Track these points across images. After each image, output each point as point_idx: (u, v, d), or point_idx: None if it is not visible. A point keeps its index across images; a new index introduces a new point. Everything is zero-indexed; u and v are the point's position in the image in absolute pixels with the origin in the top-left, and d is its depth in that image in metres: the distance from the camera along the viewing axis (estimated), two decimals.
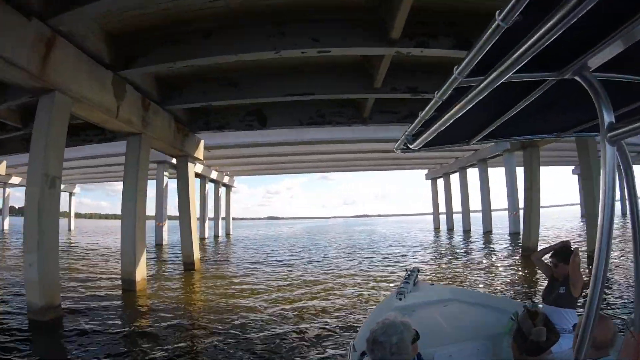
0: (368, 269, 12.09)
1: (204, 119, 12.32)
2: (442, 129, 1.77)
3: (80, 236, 36.18)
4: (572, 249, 2.79)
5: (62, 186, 34.85)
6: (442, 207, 38.88)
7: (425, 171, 40.17)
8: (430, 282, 5.57)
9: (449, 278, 10.18)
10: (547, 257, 3.11)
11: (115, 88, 8.44)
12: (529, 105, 1.81)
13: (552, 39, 0.98)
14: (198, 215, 25.03)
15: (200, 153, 13.68)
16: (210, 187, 33.39)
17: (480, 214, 31.19)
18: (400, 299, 3.71)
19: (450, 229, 35.28)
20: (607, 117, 1.24)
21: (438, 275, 10.66)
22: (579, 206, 41.32)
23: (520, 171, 17.66)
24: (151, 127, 9.79)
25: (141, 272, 9.30)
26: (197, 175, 30.07)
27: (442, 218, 39.59)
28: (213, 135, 22.99)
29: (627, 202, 1.45)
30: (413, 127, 1.99)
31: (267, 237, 36.01)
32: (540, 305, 2.79)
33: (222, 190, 36.14)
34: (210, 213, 33.76)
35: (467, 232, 31.64)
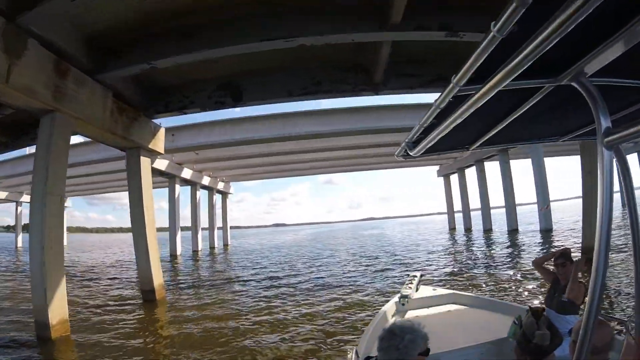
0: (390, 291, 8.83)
1: (163, 100, 9.38)
2: (442, 135, 1.79)
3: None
4: (574, 259, 2.89)
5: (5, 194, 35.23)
6: (456, 206, 35.67)
7: (436, 168, 37.06)
8: (432, 286, 5.11)
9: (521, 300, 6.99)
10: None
11: (5, 40, 5.58)
12: (527, 111, 1.82)
13: (547, 48, 1.01)
14: (179, 226, 22.29)
15: (158, 144, 10.48)
16: (203, 195, 30.57)
17: (496, 211, 28.44)
18: (403, 304, 3.82)
19: (468, 229, 31.97)
20: (604, 122, 1.28)
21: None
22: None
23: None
24: (72, 102, 6.86)
25: (59, 311, 6.30)
26: (186, 182, 27.26)
27: (457, 217, 36.52)
28: (194, 135, 20.45)
29: (627, 207, 1.46)
30: (413, 134, 2.01)
31: (268, 246, 32.91)
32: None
33: (218, 197, 33.28)
34: (204, 222, 30.87)
35: (488, 231, 28.41)
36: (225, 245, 32.99)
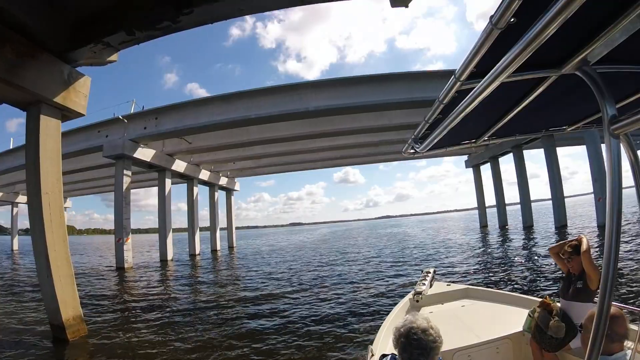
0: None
1: (84, 32, 6.06)
2: (448, 130, 1.77)
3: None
4: (582, 241, 2.76)
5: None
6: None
7: (464, 158, 32.98)
8: (446, 282, 4.82)
9: None
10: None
11: None
12: (533, 102, 1.79)
13: (546, 39, 0.98)
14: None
15: (74, 99, 6.82)
16: (203, 190, 27.62)
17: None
18: (417, 301, 3.80)
19: (503, 226, 27.84)
20: (609, 110, 1.24)
21: None
22: None
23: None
24: None
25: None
26: (182, 176, 23.62)
27: (488, 213, 32.48)
28: (180, 117, 17.08)
29: (636, 195, 1.38)
30: (419, 131, 2.03)
31: (278, 249, 29.64)
32: (558, 303, 2.73)
33: (221, 195, 30.24)
34: (204, 222, 27.87)
35: (529, 228, 24.32)
36: (231, 247, 29.85)
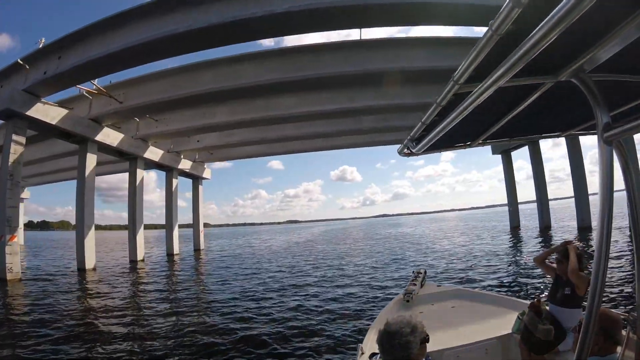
0: None
1: None
2: (444, 132, 1.78)
3: None
4: (570, 249, 2.75)
5: None
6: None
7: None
8: (437, 282, 5.01)
9: None
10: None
11: None
12: (529, 107, 1.81)
13: (545, 47, 0.99)
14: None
15: None
16: (185, 183, 21.45)
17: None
18: (407, 300, 3.83)
19: (546, 227, 21.77)
20: (603, 117, 1.30)
21: None
22: None
23: None
24: None
25: None
26: (121, 154, 17.18)
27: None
28: (87, 48, 11.04)
29: (627, 201, 1.46)
30: (415, 132, 2.01)
31: (262, 251, 23.63)
32: (547, 307, 2.65)
33: (183, 183, 24.10)
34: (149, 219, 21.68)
35: (585, 229, 18.33)
36: (197, 250, 23.60)
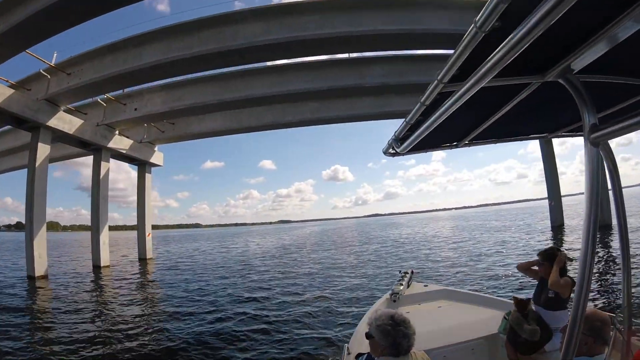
0: None
1: None
2: (429, 132, 1.74)
3: None
4: (556, 261, 2.67)
5: None
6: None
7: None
8: (424, 282, 4.82)
9: None
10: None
11: None
12: (515, 107, 1.78)
13: (528, 44, 0.96)
14: None
15: None
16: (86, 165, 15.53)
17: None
18: (394, 300, 3.76)
19: (607, 225, 16.40)
20: (590, 119, 1.25)
21: None
22: None
23: None
24: None
25: None
26: (19, 121, 11.45)
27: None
28: None
29: (613, 202, 1.46)
30: (399, 132, 1.97)
31: (238, 257, 18.00)
32: (533, 307, 2.53)
33: (125, 172, 18.18)
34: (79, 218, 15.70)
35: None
36: (143, 259, 17.66)
